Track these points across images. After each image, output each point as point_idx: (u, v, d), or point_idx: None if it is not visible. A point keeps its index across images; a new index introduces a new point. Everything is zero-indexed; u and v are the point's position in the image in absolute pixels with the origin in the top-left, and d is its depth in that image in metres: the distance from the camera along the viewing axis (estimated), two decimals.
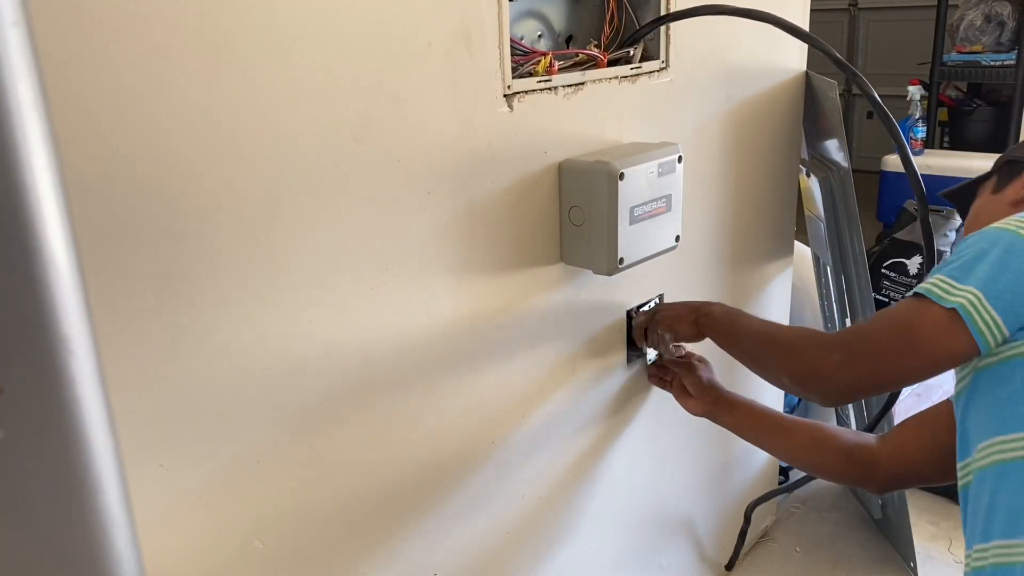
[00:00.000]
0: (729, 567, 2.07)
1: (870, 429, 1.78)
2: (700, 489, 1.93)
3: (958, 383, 1.09)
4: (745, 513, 2.02)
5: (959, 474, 1.07)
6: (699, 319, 1.38)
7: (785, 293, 2.10)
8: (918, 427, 1.29)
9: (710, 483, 1.95)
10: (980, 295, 0.97)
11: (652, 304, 1.61)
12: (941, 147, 4.05)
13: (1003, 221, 1.01)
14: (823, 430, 1.38)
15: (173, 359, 0.92)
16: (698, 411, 1.49)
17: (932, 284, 1.01)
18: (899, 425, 1.33)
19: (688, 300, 1.50)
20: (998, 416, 1.00)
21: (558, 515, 1.52)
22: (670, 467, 1.80)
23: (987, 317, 0.97)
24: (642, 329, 1.54)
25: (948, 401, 1.19)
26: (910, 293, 1.04)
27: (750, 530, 2.06)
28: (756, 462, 2.12)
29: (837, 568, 2.09)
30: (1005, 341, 0.98)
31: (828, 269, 2.10)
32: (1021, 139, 1.23)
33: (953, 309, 0.97)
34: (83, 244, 0.41)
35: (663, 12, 1.42)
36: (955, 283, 0.99)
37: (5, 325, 0.38)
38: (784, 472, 2.39)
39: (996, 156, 3.22)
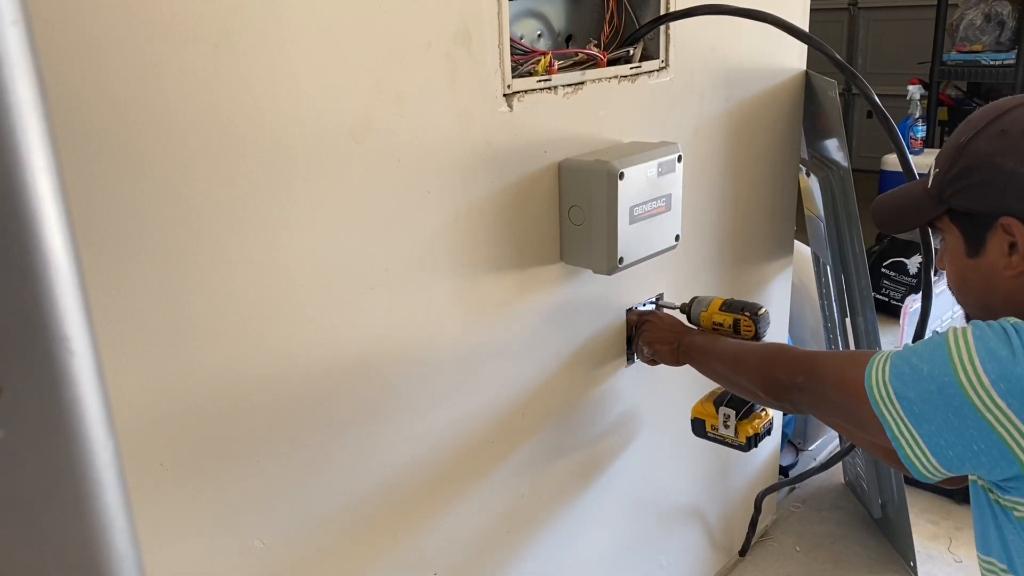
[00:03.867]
0: (742, 553, 2.10)
1: None
2: (705, 482, 1.94)
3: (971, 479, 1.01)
4: (755, 502, 2.05)
5: (982, 560, 1.01)
6: (680, 347, 1.40)
7: (785, 293, 2.10)
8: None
9: (714, 477, 1.96)
10: (915, 433, 0.89)
11: (651, 303, 1.61)
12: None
13: (963, 357, 0.86)
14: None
15: (173, 359, 0.92)
16: (672, 362, 1.42)
17: (878, 381, 0.91)
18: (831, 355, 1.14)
19: (675, 320, 1.48)
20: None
21: (560, 514, 1.52)
22: (673, 462, 1.80)
23: (921, 456, 0.89)
24: (631, 328, 1.56)
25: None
26: (873, 357, 0.94)
27: (760, 519, 2.10)
28: (759, 456, 2.12)
29: (837, 568, 2.09)
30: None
31: (828, 269, 2.10)
32: (933, 169, 1.02)
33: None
34: (83, 244, 0.41)
35: (663, 12, 1.42)
36: (895, 400, 0.90)
37: (5, 325, 0.38)
38: (784, 471, 2.40)
39: None
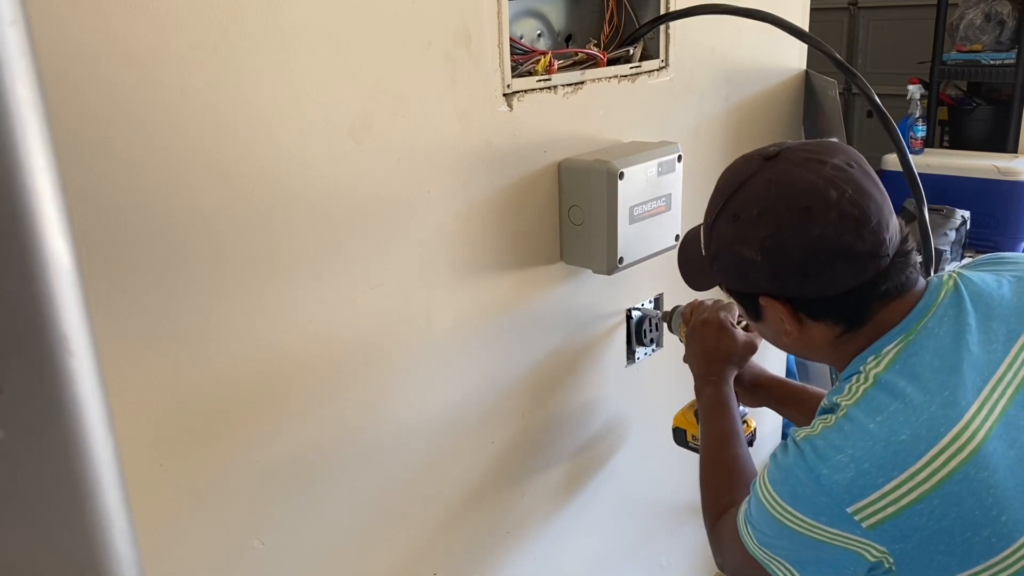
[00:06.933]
0: None
1: None
2: None
3: None
4: None
5: None
6: (700, 381, 1.32)
7: None
8: None
9: None
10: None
11: (650, 302, 1.61)
12: (941, 146, 4.05)
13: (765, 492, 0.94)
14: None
15: (172, 359, 0.92)
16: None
17: (752, 545, 0.97)
18: None
19: (727, 343, 1.31)
20: None
21: (560, 513, 1.52)
22: (674, 461, 1.80)
23: None
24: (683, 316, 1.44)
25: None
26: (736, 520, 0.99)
27: None
28: (758, 456, 2.12)
29: None
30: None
31: None
32: (710, 235, 0.99)
33: None
34: (82, 244, 0.41)
35: (663, 11, 1.42)
36: (771, 553, 0.95)
37: (4, 325, 0.38)
38: None
39: (996, 155, 3.13)
